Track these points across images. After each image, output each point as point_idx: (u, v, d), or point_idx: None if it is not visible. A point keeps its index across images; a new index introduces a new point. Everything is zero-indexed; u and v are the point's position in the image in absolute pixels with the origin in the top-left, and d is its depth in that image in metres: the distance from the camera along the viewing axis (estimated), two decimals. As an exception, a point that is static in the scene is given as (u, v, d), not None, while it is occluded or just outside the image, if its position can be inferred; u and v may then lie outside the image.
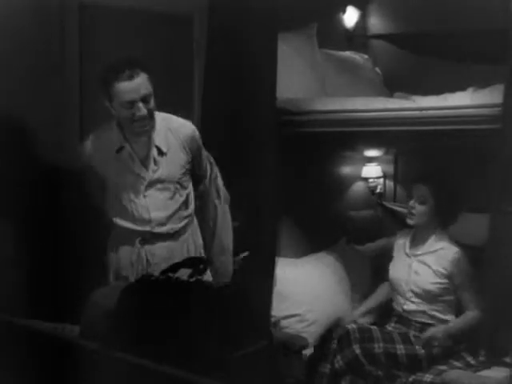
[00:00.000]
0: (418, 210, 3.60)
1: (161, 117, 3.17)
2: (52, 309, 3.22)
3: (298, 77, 4.13)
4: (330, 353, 3.46)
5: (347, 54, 4.85)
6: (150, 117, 3.05)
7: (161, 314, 2.64)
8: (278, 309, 3.75)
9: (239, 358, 2.58)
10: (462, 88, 3.48)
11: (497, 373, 3.35)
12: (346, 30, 4.98)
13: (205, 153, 3.28)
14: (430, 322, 3.56)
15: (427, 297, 3.57)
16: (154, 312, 2.65)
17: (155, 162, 3.13)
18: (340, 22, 4.96)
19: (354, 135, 3.86)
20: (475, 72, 3.94)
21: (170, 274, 2.85)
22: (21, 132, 3.39)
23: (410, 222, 3.65)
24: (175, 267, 2.91)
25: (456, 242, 3.69)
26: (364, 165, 4.84)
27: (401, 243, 3.78)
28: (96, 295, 2.98)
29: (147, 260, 3.14)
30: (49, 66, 3.51)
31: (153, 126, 3.10)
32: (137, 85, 3.00)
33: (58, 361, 2.44)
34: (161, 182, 3.13)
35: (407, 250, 3.72)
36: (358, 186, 4.85)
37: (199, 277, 2.88)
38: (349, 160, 4.82)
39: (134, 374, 2.29)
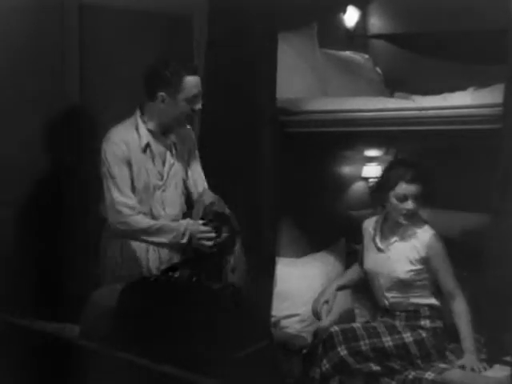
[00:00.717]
0: (413, 209, 3.53)
1: None
2: (53, 309, 3.23)
3: (298, 77, 4.13)
4: (318, 357, 3.45)
5: (347, 53, 4.85)
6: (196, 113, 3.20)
7: (161, 313, 2.64)
8: (278, 309, 3.75)
9: (239, 358, 2.58)
10: (462, 88, 3.47)
11: (498, 372, 3.35)
12: (347, 30, 4.98)
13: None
14: (413, 309, 3.53)
15: (403, 287, 3.51)
16: (153, 312, 2.65)
17: (172, 158, 3.20)
18: (340, 22, 4.96)
19: (354, 135, 3.86)
20: (475, 72, 3.94)
21: (170, 274, 2.85)
22: (20, 132, 3.39)
23: (404, 222, 3.56)
24: (175, 267, 2.91)
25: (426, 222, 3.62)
26: (364, 165, 4.83)
27: (370, 232, 3.67)
28: (96, 295, 2.98)
29: (159, 256, 3.17)
30: (49, 66, 3.51)
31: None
32: (198, 79, 3.12)
33: (58, 361, 2.44)
34: (174, 179, 3.20)
35: (378, 243, 3.61)
36: (358, 186, 4.85)
37: (199, 277, 2.88)
38: (349, 160, 4.81)
39: (134, 374, 2.29)
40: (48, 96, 3.48)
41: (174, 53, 3.85)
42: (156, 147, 3.17)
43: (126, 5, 3.69)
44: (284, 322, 3.86)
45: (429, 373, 3.36)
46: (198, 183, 3.31)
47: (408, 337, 3.43)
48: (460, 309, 3.45)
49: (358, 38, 5.01)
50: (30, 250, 3.43)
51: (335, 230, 4.40)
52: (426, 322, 3.48)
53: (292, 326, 3.84)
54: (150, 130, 3.16)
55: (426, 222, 3.55)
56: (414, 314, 3.51)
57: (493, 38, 3.54)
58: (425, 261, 3.48)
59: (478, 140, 3.42)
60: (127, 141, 3.12)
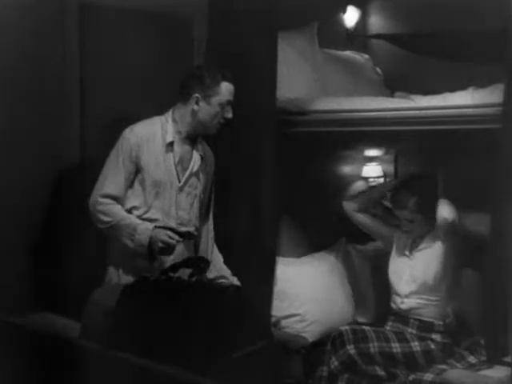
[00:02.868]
0: (415, 219, 3.61)
1: None
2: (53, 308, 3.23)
3: (298, 76, 4.13)
4: (326, 355, 3.47)
5: (348, 53, 4.85)
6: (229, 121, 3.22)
7: (161, 313, 2.64)
8: (278, 309, 3.75)
9: (239, 358, 2.58)
10: (462, 88, 3.47)
11: (498, 372, 3.36)
12: (347, 30, 4.97)
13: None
14: (428, 320, 3.55)
15: (426, 289, 3.56)
16: (153, 312, 2.65)
17: (194, 167, 3.22)
18: (340, 22, 4.96)
19: (354, 135, 3.86)
20: (475, 72, 3.94)
21: (170, 274, 2.85)
22: (20, 132, 3.39)
23: (406, 229, 3.66)
24: (175, 267, 2.92)
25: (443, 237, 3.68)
26: (364, 164, 4.84)
27: (401, 244, 3.77)
28: (96, 295, 2.98)
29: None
30: (49, 66, 3.51)
31: None
32: (233, 88, 3.18)
33: (58, 361, 2.44)
34: (192, 188, 3.22)
35: (407, 252, 3.72)
36: (358, 186, 4.85)
37: (199, 277, 2.88)
38: (349, 160, 4.82)
39: (134, 374, 2.29)
40: (48, 96, 3.48)
41: (174, 53, 3.85)
42: (180, 150, 3.20)
43: (126, 5, 3.69)
44: (284, 322, 3.86)
45: (428, 374, 3.37)
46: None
47: (416, 346, 3.45)
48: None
49: (357, 38, 5.01)
50: (29, 250, 3.43)
51: (335, 230, 4.40)
52: (437, 336, 3.50)
53: (292, 326, 3.84)
54: (177, 131, 3.18)
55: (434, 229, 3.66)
56: (427, 325, 3.53)
57: (493, 38, 3.53)
58: (444, 260, 3.56)
59: (478, 140, 3.42)
60: (149, 135, 3.15)
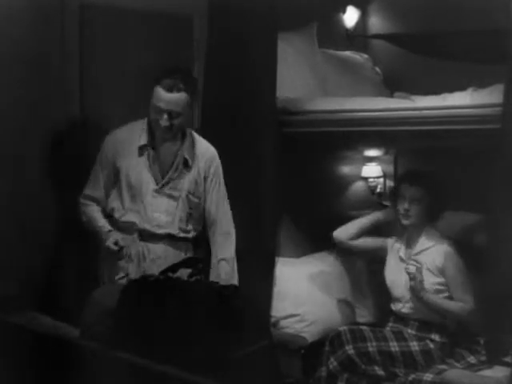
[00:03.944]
0: (412, 210, 3.60)
1: (189, 132, 3.28)
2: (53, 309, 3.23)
3: (298, 76, 4.13)
4: (324, 356, 3.47)
5: (347, 53, 4.85)
6: (170, 130, 3.15)
7: (160, 313, 2.64)
8: (277, 309, 3.75)
9: (239, 357, 2.58)
10: (462, 88, 3.47)
11: (497, 372, 3.35)
12: (346, 30, 4.98)
13: (222, 181, 3.34)
14: (428, 320, 3.55)
15: (422, 296, 3.56)
16: (153, 312, 2.65)
17: (176, 171, 3.21)
18: (340, 22, 4.96)
19: (353, 135, 3.86)
20: (475, 72, 3.94)
21: (170, 274, 2.85)
22: (20, 131, 3.39)
23: (405, 222, 3.64)
24: (175, 267, 2.91)
25: (448, 237, 3.68)
26: (364, 164, 4.84)
27: (395, 247, 3.76)
28: (96, 295, 2.98)
29: (143, 254, 3.21)
30: (49, 66, 3.51)
31: (175, 138, 3.21)
32: (171, 98, 3.10)
33: (58, 361, 2.44)
34: (173, 190, 3.21)
35: (401, 254, 3.71)
36: (358, 186, 4.85)
37: (199, 277, 2.88)
38: (349, 160, 4.82)
39: (134, 374, 2.29)
40: (48, 96, 3.48)
41: (174, 53, 3.85)
42: (161, 152, 3.21)
43: (126, 5, 3.69)
44: (283, 322, 3.86)
45: (427, 374, 3.36)
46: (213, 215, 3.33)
47: (414, 345, 3.45)
48: (459, 304, 3.49)
49: (357, 38, 5.01)
50: (29, 249, 3.43)
51: (335, 230, 4.40)
52: (436, 336, 3.50)
53: (292, 326, 3.84)
54: (152, 133, 3.19)
55: (442, 235, 3.66)
56: (427, 325, 3.53)
57: (493, 38, 3.54)
58: (442, 270, 3.54)
59: (478, 140, 3.42)
60: (127, 138, 3.20)
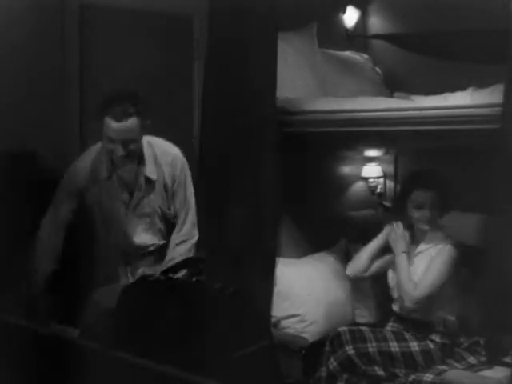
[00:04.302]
0: (433, 214, 3.59)
1: (147, 142, 3.20)
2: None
3: (298, 77, 4.13)
4: (324, 356, 3.47)
5: (347, 53, 4.85)
6: (127, 158, 3.09)
7: (161, 313, 2.64)
8: (278, 309, 3.74)
9: (239, 358, 2.58)
10: (462, 88, 3.47)
11: (498, 373, 3.35)
12: (346, 30, 4.98)
13: (188, 181, 3.33)
14: (429, 321, 3.55)
15: (426, 298, 3.57)
16: (153, 312, 2.65)
17: (141, 190, 3.20)
18: (340, 22, 4.96)
19: (354, 135, 3.85)
20: (475, 72, 3.94)
21: (170, 275, 2.85)
22: (20, 131, 3.39)
23: (426, 227, 3.63)
24: (175, 267, 2.92)
25: (450, 239, 3.68)
26: (364, 165, 4.84)
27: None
28: (96, 295, 2.98)
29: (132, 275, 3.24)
30: (49, 66, 3.51)
31: (133, 162, 3.15)
32: (122, 127, 3.03)
33: (58, 361, 2.44)
34: (145, 209, 3.22)
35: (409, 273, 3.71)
36: (359, 186, 4.85)
37: (199, 277, 2.88)
38: (349, 160, 4.82)
39: (134, 374, 2.29)
40: (48, 96, 3.48)
41: (174, 53, 3.86)
42: (122, 176, 3.18)
43: (126, 5, 3.69)
44: (284, 323, 3.86)
45: (427, 375, 3.36)
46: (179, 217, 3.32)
47: (414, 346, 3.45)
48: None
49: (357, 38, 5.01)
50: (28, 250, 3.42)
51: (335, 231, 4.40)
52: (436, 337, 3.50)
53: (292, 327, 3.84)
54: (112, 161, 3.15)
55: (444, 234, 3.67)
56: (427, 326, 3.53)
57: (493, 38, 3.53)
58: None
59: (478, 140, 3.42)
60: (87, 172, 3.17)
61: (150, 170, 3.20)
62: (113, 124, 3.02)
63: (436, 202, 3.58)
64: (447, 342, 3.50)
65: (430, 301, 3.56)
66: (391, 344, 3.46)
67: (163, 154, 3.25)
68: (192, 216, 3.30)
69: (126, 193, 3.19)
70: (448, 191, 3.62)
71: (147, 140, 3.23)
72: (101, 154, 3.17)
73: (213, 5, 3.61)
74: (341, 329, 3.53)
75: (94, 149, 3.21)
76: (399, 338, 3.50)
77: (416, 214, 3.61)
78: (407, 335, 3.51)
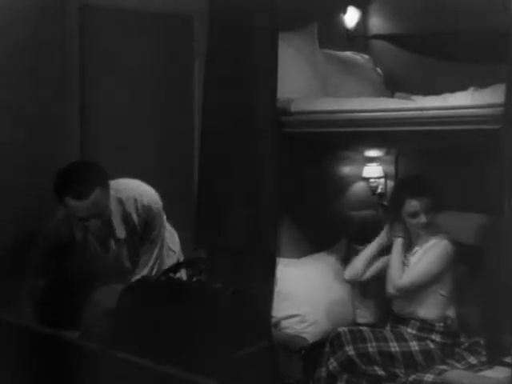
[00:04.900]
0: (429, 219, 3.60)
1: (115, 195, 3.14)
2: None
3: (298, 77, 4.13)
4: (324, 357, 3.47)
5: (348, 54, 4.85)
6: (97, 225, 3.07)
7: (161, 313, 2.64)
8: (278, 309, 3.74)
9: (239, 358, 2.58)
10: (463, 88, 3.47)
11: (498, 373, 3.35)
12: (347, 30, 4.97)
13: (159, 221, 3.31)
14: (429, 320, 3.56)
15: (425, 291, 3.58)
16: (154, 312, 2.65)
17: (114, 249, 3.23)
18: (341, 22, 4.95)
19: (354, 135, 3.85)
20: (475, 72, 3.93)
21: (171, 275, 2.85)
22: (20, 131, 3.39)
23: (424, 232, 3.64)
24: (176, 268, 2.91)
25: (446, 235, 3.70)
26: (365, 165, 4.83)
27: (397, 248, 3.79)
28: (97, 295, 2.98)
29: None
30: (49, 67, 3.51)
31: (104, 224, 3.13)
32: (84, 205, 2.93)
33: (58, 361, 2.44)
34: (124, 253, 3.25)
35: (402, 259, 3.73)
36: (359, 187, 4.84)
37: (199, 277, 2.88)
38: (349, 160, 4.81)
39: (134, 374, 2.29)
40: (48, 96, 3.48)
41: (174, 53, 3.85)
42: (95, 236, 3.19)
43: (126, 5, 3.69)
44: (284, 323, 3.86)
45: (428, 375, 3.36)
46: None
47: (414, 345, 3.46)
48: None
49: (358, 39, 5.00)
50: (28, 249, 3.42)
51: (336, 231, 4.40)
52: (436, 337, 3.51)
53: (292, 327, 3.84)
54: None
55: (440, 231, 3.68)
56: (427, 326, 3.54)
57: (493, 38, 3.53)
58: (440, 269, 3.56)
59: (478, 140, 3.42)
60: (60, 238, 3.17)
61: (119, 231, 3.19)
62: (74, 203, 2.92)
63: (430, 207, 3.59)
64: (447, 341, 3.50)
65: (430, 302, 3.57)
66: (391, 344, 3.46)
67: (131, 203, 3.20)
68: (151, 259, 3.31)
69: (101, 250, 3.23)
70: (440, 193, 3.64)
71: (115, 189, 3.14)
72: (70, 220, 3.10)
73: (213, 5, 3.61)
74: (341, 329, 3.53)
75: (55, 221, 3.17)
76: (399, 337, 3.50)
77: (412, 221, 3.63)
78: (407, 335, 3.51)
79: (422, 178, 3.79)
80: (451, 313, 3.60)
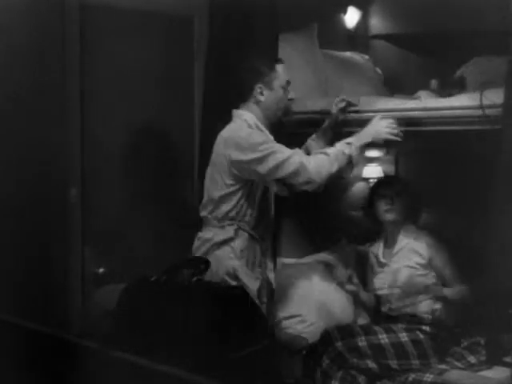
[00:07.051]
0: (395, 204, 3.69)
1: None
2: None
3: (298, 77, 4.12)
4: (317, 356, 3.49)
5: (348, 54, 4.85)
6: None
7: (161, 313, 2.64)
8: (278, 309, 3.74)
9: (239, 358, 2.58)
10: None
11: (498, 373, 3.35)
12: (347, 31, 4.97)
13: None
14: (417, 315, 3.58)
15: (412, 291, 3.61)
16: (154, 312, 2.65)
17: None
18: (341, 23, 4.95)
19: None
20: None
21: (171, 275, 2.85)
22: (20, 131, 3.40)
23: (389, 217, 3.72)
24: (176, 267, 2.91)
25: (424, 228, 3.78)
26: (365, 165, 4.83)
27: (375, 253, 3.82)
28: (97, 295, 2.98)
29: None
30: (49, 66, 3.51)
31: None
32: (285, 68, 3.29)
33: (58, 361, 2.44)
34: None
35: (382, 259, 3.76)
36: (359, 187, 4.84)
37: (200, 277, 2.88)
38: (349, 160, 4.80)
39: (134, 374, 2.29)
40: (48, 96, 3.48)
41: (174, 53, 3.85)
42: None
43: (126, 5, 3.70)
44: (285, 323, 3.85)
45: (427, 374, 3.37)
46: None
47: (404, 336, 3.49)
48: (456, 288, 3.63)
49: (358, 39, 5.00)
50: (29, 250, 3.43)
51: (336, 231, 4.40)
52: (426, 328, 3.53)
53: (293, 327, 3.84)
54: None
55: (418, 228, 3.78)
56: (416, 319, 3.56)
57: (493, 38, 3.53)
58: (429, 260, 3.59)
59: (478, 140, 3.42)
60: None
61: None
62: (283, 66, 3.28)
63: (400, 194, 3.71)
64: (438, 332, 3.52)
65: (418, 299, 3.60)
66: (380, 336, 3.48)
67: None
68: None
69: None
70: (413, 193, 3.77)
71: None
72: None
73: (213, 5, 3.61)
74: (329, 327, 3.56)
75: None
76: (388, 329, 3.53)
77: (385, 220, 3.74)
78: (395, 327, 3.54)
79: (390, 180, 3.96)
80: (438, 305, 3.62)
